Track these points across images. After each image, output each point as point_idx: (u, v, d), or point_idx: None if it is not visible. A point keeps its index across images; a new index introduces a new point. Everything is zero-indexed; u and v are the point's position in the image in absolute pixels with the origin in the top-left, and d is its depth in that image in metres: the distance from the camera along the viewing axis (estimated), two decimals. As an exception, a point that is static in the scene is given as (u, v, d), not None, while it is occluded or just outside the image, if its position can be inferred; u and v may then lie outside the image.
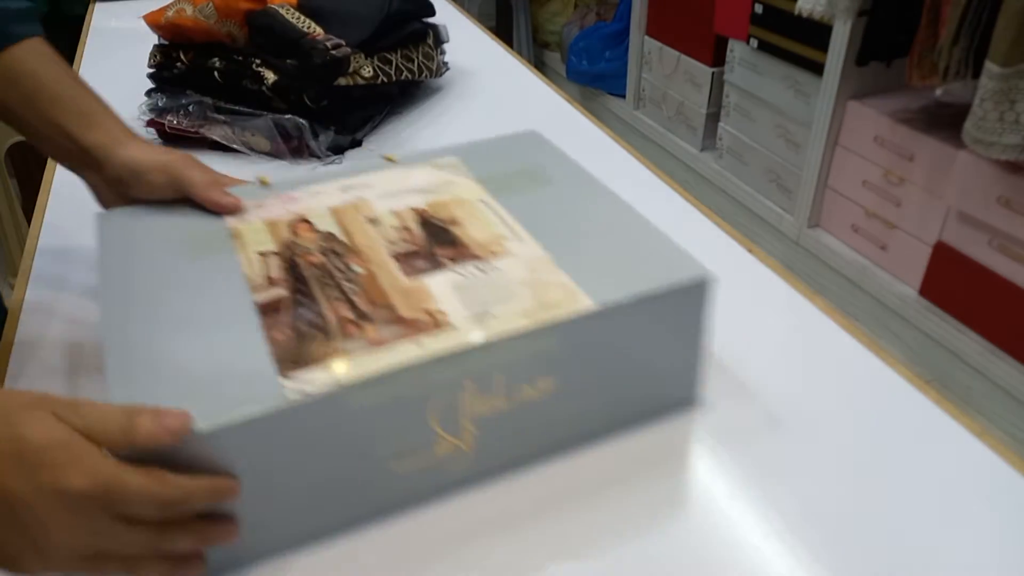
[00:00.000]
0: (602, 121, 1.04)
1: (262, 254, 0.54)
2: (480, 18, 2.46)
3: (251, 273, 0.52)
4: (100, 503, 0.38)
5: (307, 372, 0.43)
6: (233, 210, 0.58)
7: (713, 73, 2.20)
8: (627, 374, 0.52)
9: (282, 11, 0.93)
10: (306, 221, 0.58)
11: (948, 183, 1.54)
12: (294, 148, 0.91)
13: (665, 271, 0.51)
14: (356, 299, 0.49)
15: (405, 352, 0.44)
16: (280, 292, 0.50)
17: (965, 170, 1.48)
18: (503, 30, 3.12)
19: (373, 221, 0.57)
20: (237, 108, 0.91)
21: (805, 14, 1.62)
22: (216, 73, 0.92)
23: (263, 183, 0.62)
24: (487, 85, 1.14)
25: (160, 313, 0.49)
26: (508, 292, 0.49)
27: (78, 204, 0.83)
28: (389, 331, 0.46)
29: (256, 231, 0.57)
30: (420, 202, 0.60)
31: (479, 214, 0.58)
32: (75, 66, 1.18)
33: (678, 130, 2.44)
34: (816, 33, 1.75)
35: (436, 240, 0.55)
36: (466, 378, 0.46)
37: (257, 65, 0.91)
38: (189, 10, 0.93)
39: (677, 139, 2.45)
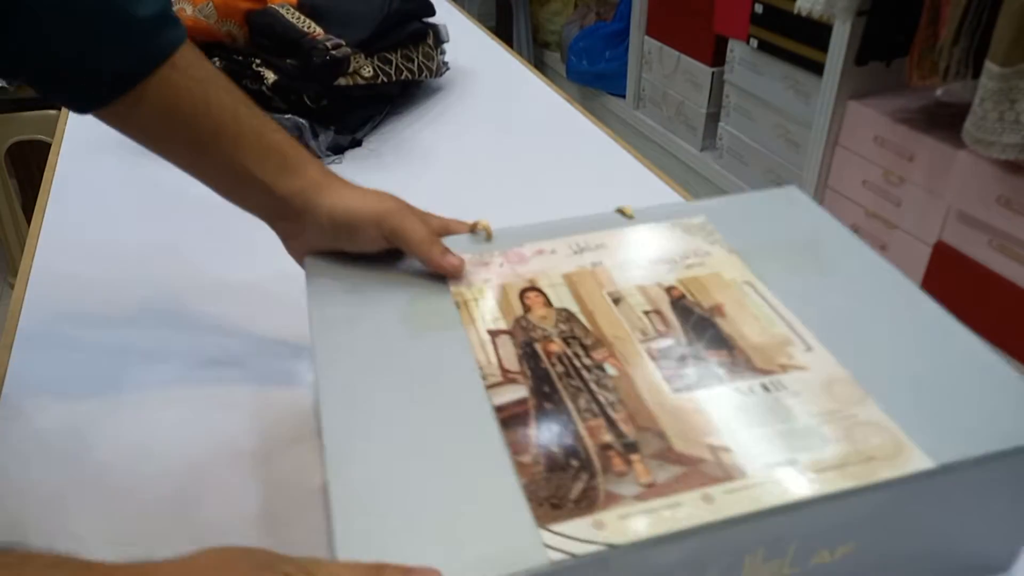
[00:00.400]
0: (602, 121, 1.04)
1: (492, 333, 0.46)
2: (480, 18, 2.46)
3: (483, 359, 0.44)
4: None
5: (569, 524, 0.35)
6: (456, 273, 0.50)
7: (713, 73, 2.20)
8: (940, 537, 0.42)
9: (282, 11, 0.93)
10: (538, 290, 0.50)
11: (948, 183, 1.54)
12: (294, 148, 0.91)
13: (1016, 416, 0.40)
14: (615, 416, 0.40)
15: (690, 509, 0.35)
16: (520, 392, 0.42)
17: (965, 170, 1.48)
18: (503, 30, 3.12)
19: (616, 299, 0.49)
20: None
21: (804, 13, 1.62)
22: None
23: (485, 232, 0.55)
24: (487, 85, 1.14)
25: (388, 421, 0.41)
26: (810, 430, 0.39)
27: (78, 204, 0.83)
28: (664, 473, 0.37)
29: (484, 301, 0.49)
30: (670, 277, 0.50)
31: (748, 303, 0.48)
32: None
33: (678, 130, 2.44)
34: (816, 33, 1.75)
35: (699, 336, 0.46)
36: (759, 545, 0.37)
37: (257, 65, 0.91)
38: (189, 10, 0.93)
39: (677, 139, 2.45)
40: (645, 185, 0.87)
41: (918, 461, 0.37)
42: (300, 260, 0.54)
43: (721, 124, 2.21)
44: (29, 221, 0.82)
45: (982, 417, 0.40)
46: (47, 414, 0.57)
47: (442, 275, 0.51)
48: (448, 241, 0.53)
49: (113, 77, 0.48)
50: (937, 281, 1.61)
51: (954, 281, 1.57)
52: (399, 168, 0.91)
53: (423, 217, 0.53)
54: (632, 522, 0.35)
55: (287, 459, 0.53)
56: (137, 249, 0.75)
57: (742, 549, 0.37)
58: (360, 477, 0.38)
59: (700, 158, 2.34)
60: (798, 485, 0.36)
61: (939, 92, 1.43)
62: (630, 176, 0.89)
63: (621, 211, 0.57)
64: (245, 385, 0.59)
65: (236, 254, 0.74)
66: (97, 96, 0.48)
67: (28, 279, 0.71)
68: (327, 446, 0.39)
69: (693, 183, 2.37)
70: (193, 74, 0.50)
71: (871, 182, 1.75)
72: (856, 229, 1.80)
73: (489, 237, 0.54)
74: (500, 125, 1.02)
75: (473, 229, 0.55)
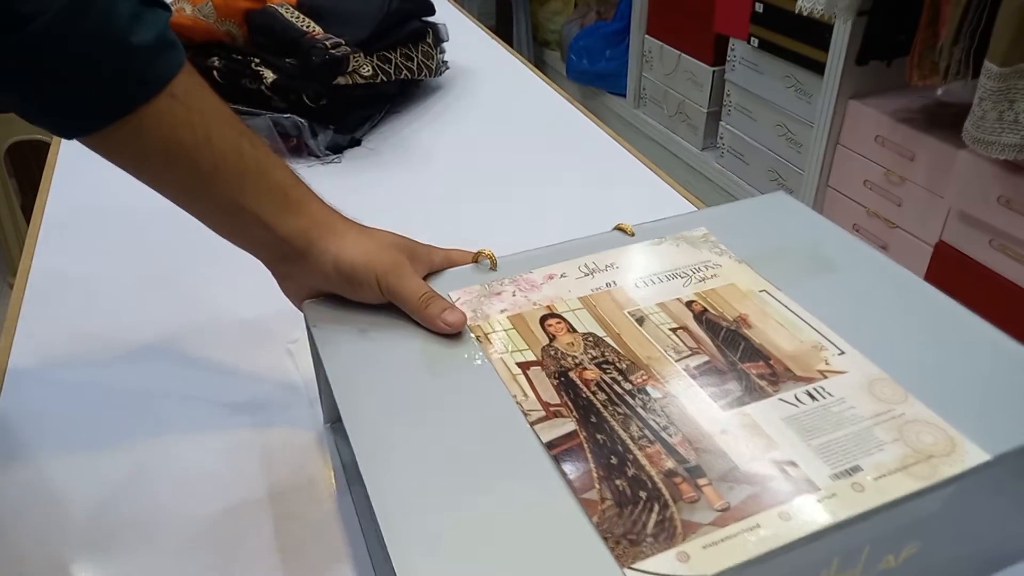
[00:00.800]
0: (603, 120, 1.03)
1: (522, 365, 0.44)
2: (480, 17, 2.46)
3: (518, 393, 0.43)
4: None
5: (653, 560, 0.33)
6: (456, 330, 0.47)
7: (714, 72, 2.20)
8: (994, 526, 0.43)
9: (281, 10, 0.93)
10: (558, 317, 0.48)
11: (949, 182, 1.53)
12: (293, 147, 0.91)
13: None
14: (672, 441, 0.39)
15: (771, 530, 0.34)
16: (567, 425, 0.40)
17: (966, 169, 1.47)
18: (503, 29, 3.12)
19: (639, 318, 0.48)
20: (236, 107, 0.91)
21: (806, 13, 1.62)
22: (215, 72, 0.92)
23: (490, 261, 0.53)
24: (487, 84, 1.14)
25: (434, 470, 0.38)
26: (865, 434, 0.39)
27: (78, 205, 0.83)
28: (736, 495, 0.36)
29: (503, 332, 0.47)
30: (687, 291, 0.50)
31: (771, 312, 0.48)
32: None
33: (679, 129, 2.44)
34: (817, 32, 1.75)
35: (732, 350, 0.45)
36: (834, 556, 0.37)
37: (256, 64, 0.91)
38: (188, 9, 0.93)
39: (678, 138, 2.45)
40: (646, 185, 0.87)
41: (974, 455, 0.38)
42: (297, 301, 0.52)
43: (722, 123, 2.21)
44: (29, 221, 0.82)
45: (1018, 404, 0.41)
46: (45, 416, 0.57)
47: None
48: (453, 273, 0.52)
49: (109, 100, 0.45)
50: (938, 281, 1.61)
51: (955, 281, 1.57)
52: (399, 168, 0.91)
53: (425, 256, 0.52)
54: (718, 550, 0.34)
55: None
56: (138, 249, 0.75)
57: (820, 563, 0.36)
58: (417, 533, 0.35)
59: (701, 157, 2.34)
60: (870, 492, 0.36)
61: (940, 92, 1.43)
62: (630, 175, 0.89)
63: (621, 228, 0.57)
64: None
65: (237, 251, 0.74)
66: (91, 117, 0.45)
67: (28, 279, 0.71)
68: (376, 504, 0.36)
69: (694, 182, 2.37)
70: (193, 104, 0.47)
71: (872, 182, 1.75)
72: (857, 229, 1.81)
73: (494, 266, 0.53)
74: (500, 125, 1.02)
75: (476, 259, 0.54)
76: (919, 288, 0.50)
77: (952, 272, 1.57)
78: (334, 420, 0.55)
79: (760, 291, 0.50)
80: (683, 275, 0.52)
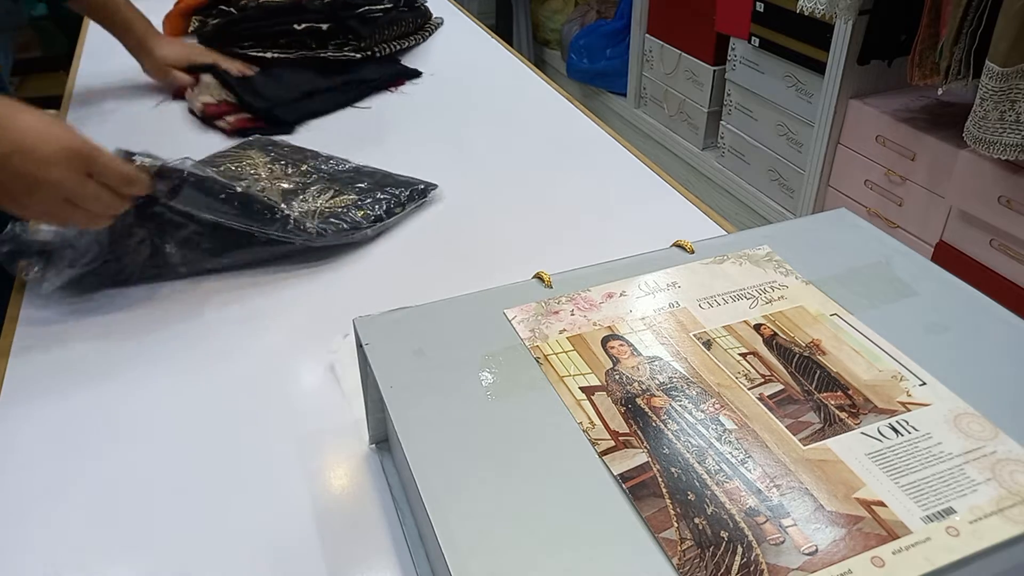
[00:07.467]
0: (603, 120, 1.03)
1: (586, 390, 0.42)
2: (479, 16, 2.46)
3: (584, 420, 0.40)
4: None
5: None
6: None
7: (714, 71, 2.20)
8: None
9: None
10: (621, 339, 0.46)
11: (949, 182, 1.53)
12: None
13: None
14: (751, 476, 0.37)
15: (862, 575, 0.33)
16: (639, 457, 0.38)
17: (966, 169, 1.47)
18: (503, 28, 3.12)
19: (706, 342, 0.46)
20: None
21: (807, 12, 1.62)
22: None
23: (544, 280, 0.51)
24: (487, 84, 1.13)
25: (502, 504, 0.36)
26: (955, 472, 0.37)
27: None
28: (823, 536, 0.34)
29: (564, 354, 0.45)
30: (754, 314, 0.48)
31: (844, 338, 0.46)
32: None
33: (679, 128, 2.44)
34: (817, 32, 1.74)
35: (807, 378, 0.43)
36: None
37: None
38: None
39: (679, 137, 2.45)
40: (646, 184, 0.87)
41: None
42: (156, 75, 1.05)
43: (723, 122, 2.21)
44: (28, 220, 0.82)
45: None
46: (43, 417, 0.57)
47: (511, 329, 0.47)
48: (507, 290, 0.51)
49: None
50: (938, 280, 1.61)
51: (955, 281, 1.57)
52: (397, 167, 0.91)
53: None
54: None
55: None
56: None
57: None
58: (488, 572, 0.33)
59: (702, 157, 2.34)
60: (966, 537, 0.34)
61: (940, 92, 1.43)
62: (631, 175, 0.89)
63: (680, 245, 0.55)
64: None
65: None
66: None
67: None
68: (443, 540, 0.35)
69: (694, 182, 2.37)
70: None
71: (872, 181, 1.74)
72: (857, 228, 1.80)
73: (548, 284, 0.51)
74: (500, 124, 1.02)
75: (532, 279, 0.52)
76: (997, 313, 0.48)
77: (952, 272, 1.57)
78: (380, 440, 0.53)
79: (831, 315, 0.47)
80: (748, 296, 0.49)
